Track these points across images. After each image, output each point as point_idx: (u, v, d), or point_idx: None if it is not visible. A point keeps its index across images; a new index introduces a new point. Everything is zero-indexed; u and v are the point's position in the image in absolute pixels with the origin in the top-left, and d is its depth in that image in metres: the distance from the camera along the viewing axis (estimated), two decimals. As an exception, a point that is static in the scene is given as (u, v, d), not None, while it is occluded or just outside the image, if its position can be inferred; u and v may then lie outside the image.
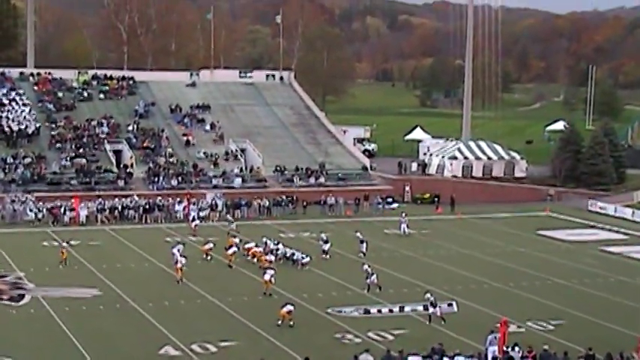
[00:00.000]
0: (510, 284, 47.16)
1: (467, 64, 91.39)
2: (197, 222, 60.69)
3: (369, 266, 45.68)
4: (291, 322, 37.76)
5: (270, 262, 48.43)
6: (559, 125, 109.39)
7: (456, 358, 31.08)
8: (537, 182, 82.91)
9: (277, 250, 51.21)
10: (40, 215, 62.09)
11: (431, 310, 39.25)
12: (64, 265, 48.19)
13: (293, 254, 50.66)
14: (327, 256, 52.35)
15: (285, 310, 37.95)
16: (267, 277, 43.02)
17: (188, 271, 46.73)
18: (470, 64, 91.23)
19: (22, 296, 42.37)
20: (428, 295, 40.17)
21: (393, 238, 60.16)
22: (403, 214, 63.06)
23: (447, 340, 34.32)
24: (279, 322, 37.81)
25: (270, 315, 38.59)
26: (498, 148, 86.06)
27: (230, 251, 50.04)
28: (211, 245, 51.52)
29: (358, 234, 55.42)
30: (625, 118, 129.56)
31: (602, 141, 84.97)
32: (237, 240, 52.97)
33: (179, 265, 45.97)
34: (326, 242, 53.31)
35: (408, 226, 61.60)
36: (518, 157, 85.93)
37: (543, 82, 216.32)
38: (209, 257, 50.99)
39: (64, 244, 49.99)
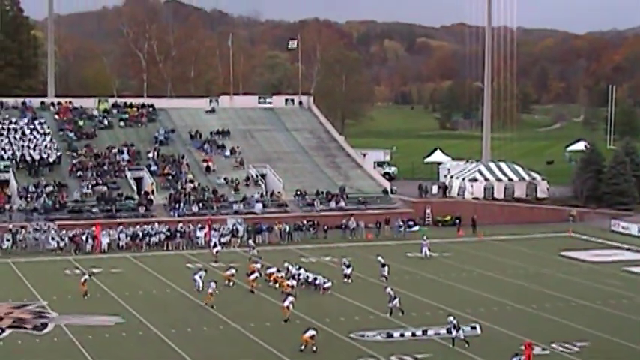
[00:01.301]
0: (533, 306, 46.85)
1: (486, 86, 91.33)
2: (218, 248, 60.81)
3: (391, 289, 45.52)
4: (314, 347, 37.65)
5: (292, 286, 48.40)
6: (580, 145, 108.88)
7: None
8: (559, 203, 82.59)
9: (299, 274, 51.16)
10: (62, 244, 62.39)
11: (454, 333, 39.04)
12: (86, 297, 47.98)
13: (315, 279, 50.57)
14: (349, 280, 52.24)
15: (307, 335, 37.85)
16: (286, 303, 42.92)
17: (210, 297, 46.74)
18: (489, 86, 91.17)
19: (46, 325, 42.49)
20: (451, 318, 39.95)
21: (415, 261, 59.98)
22: (424, 237, 62.91)
23: (471, 363, 34.14)
24: (302, 347, 37.70)
25: (293, 340, 38.49)
26: (519, 169, 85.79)
27: (252, 277, 50.03)
28: (233, 271, 51.52)
29: (380, 258, 55.27)
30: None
31: (623, 160, 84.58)
32: (258, 265, 52.93)
33: (210, 290, 45.94)
34: (348, 266, 53.22)
35: (429, 249, 61.43)
36: (539, 178, 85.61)
37: (563, 103, 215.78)
38: (231, 283, 50.96)
39: (86, 276, 49.71)
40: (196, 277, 49.66)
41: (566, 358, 36.23)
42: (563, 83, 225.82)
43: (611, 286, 52.62)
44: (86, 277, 49.35)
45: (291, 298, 43.31)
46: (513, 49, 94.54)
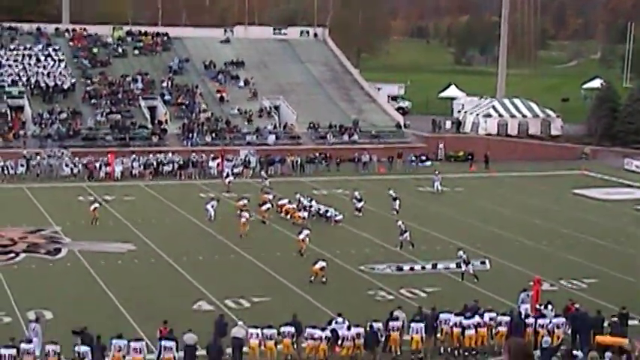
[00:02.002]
0: (544, 242, 47.03)
1: (503, 21, 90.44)
2: (231, 178, 60.94)
3: (402, 223, 45.66)
4: (324, 279, 37.96)
5: (304, 218, 48.66)
6: (596, 83, 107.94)
7: (486, 314, 31.19)
8: (573, 140, 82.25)
9: (310, 207, 51.35)
10: (75, 170, 62.72)
11: (463, 267, 39.30)
12: (94, 224, 48.25)
13: (326, 211, 50.78)
14: (360, 214, 52.36)
15: (317, 266, 38.13)
16: (301, 236, 43.03)
17: (222, 227, 47.12)
18: (506, 21, 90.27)
19: (59, 250, 42.95)
20: (461, 252, 40.18)
21: (427, 196, 60.11)
22: (436, 172, 62.92)
23: (479, 297, 34.36)
24: (312, 279, 38.02)
25: (303, 271, 38.81)
26: (533, 106, 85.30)
27: (264, 207, 50.24)
28: (245, 202, 51.67)
29: (391, 191, 55.35)
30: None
31: (639, 99, 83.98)
32: (270, 197, 53.18)
33: (243, 220, 46.18)
34: (359, 200, 53.30)
35: (441, 184, 61.47)
36: (553, 115, 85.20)
37: (580, 39, 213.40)
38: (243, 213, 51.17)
39: (96, 204, 49.99)
40: (208, 206, 49.93)
41: (574, 294, 36.43)
42: (581, 19, 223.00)
43: (622, 224, 52.69)
44: (96, 204, 49.56)
45: (306, 232, 43.34)
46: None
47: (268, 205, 50.80)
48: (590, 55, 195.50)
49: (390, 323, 30.30)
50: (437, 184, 61.31)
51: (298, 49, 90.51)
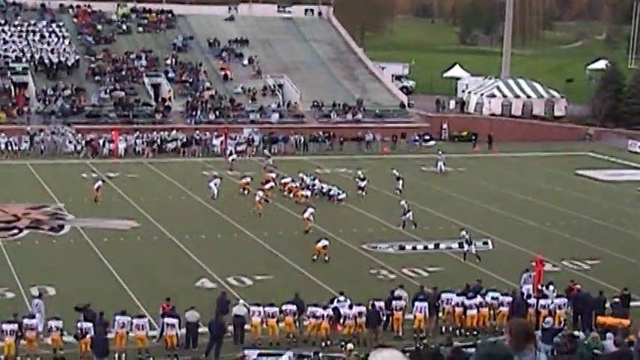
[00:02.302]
0: (547, 223, 47.03)
1: (508, 1, 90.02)
2: (234, 156, 60.96)
3: (405, 202, 45.67)
4: (326, 257, 38.02)
5: (307, 197, 48.69)
6: (600, 64, 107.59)
7: (488, 294, 31.25)
8: (577, 121, 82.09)
9: (313, 185, 51.38)
10: (79, 147, 62.73)
11: (466, 247, 39.33)
12: (97, 202, 48.15)
13: (329, 190, 50.79)
14: (363, 193, 52.36)
15: (320, 245, 38.19)
16: (306, 214, 43.07)
17: (224, 205, 47.14)
18: (511, 1, 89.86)
19: (62, 227, 43.03)
20: (463, 232, 40.20)
21: (430, 176, 60.06)
22: (440, 152, 62.85)
23: (481, 277, 34.41)
24: (315, 257, 38.08)
25: (306, 250, 38.86)
26: (538, 86, 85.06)
27: (267, 186, 50.26)
28: (248, 180, 51.72)
29: (394, 171, 55.34)
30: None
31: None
32: (273, 175, 53.17)
33: (257, 199, 46.26)
34: (362, 179, 53.30)
35: (444, 164, 61.41)
36: (557, 95, 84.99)
37: (586, 20, 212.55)
38: (246, 191, 51.22)
39: (100, 182, 49.95)
40: (211, 184, 49.99)
41: (576, 275, 36.50)
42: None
43: (626, 205, 52.64)
44: (100, 183, 49.56)
45: (311, 210, 43.40)
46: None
47: (271, 184, 50.83)
48: (595, 36, 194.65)
49: (394, 302, 30.37)
50: (440, 163, 61.26)
51: (302, 28, 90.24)
